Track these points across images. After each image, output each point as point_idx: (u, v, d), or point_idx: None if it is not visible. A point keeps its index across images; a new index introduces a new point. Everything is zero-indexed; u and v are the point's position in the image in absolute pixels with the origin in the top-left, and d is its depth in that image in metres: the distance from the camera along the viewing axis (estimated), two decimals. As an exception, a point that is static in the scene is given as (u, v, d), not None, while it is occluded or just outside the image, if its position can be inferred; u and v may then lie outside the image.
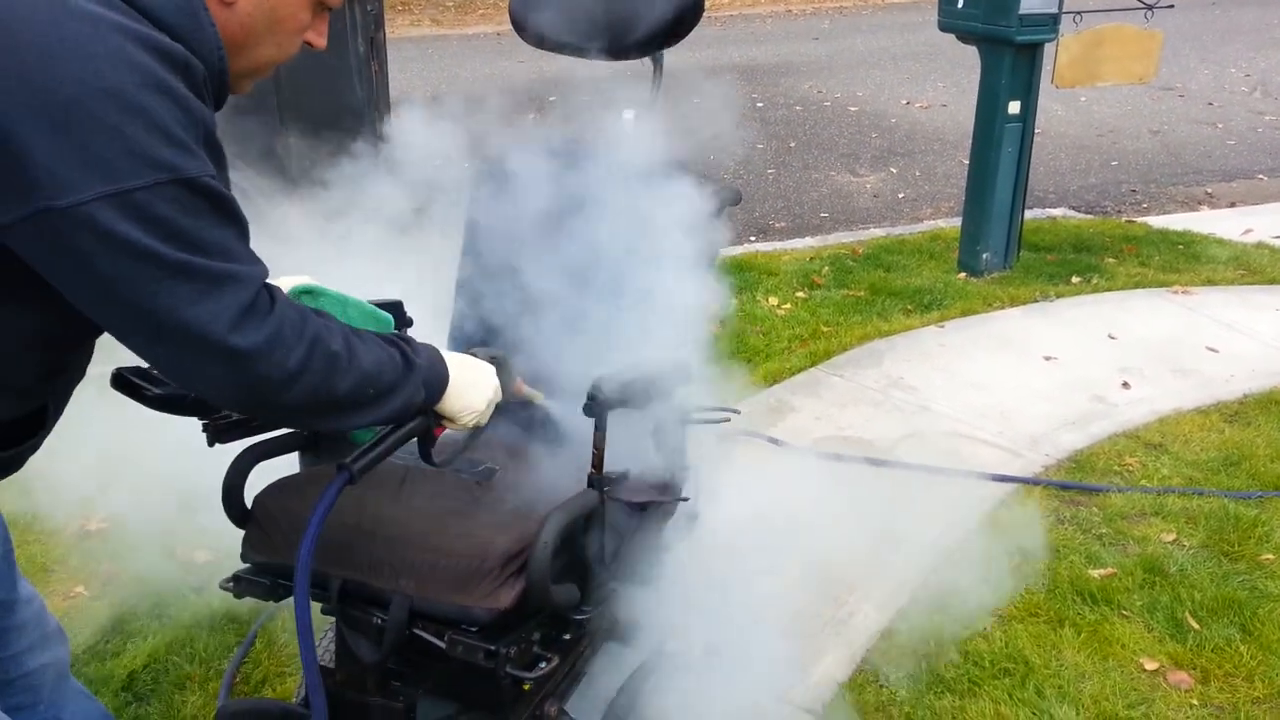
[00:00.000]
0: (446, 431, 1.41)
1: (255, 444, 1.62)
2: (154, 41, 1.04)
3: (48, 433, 1.32)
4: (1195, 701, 2.20)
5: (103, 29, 1.01)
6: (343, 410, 1.21)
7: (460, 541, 1.47)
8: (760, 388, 3.56)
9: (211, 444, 1.56)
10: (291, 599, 1.43)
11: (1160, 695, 2.21)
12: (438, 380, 1.32)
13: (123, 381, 1.39)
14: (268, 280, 1.13)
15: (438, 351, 1.34)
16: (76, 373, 1.33)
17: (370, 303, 1.61)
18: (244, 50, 1.18)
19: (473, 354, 1.43)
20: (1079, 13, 4.45)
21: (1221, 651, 2.32)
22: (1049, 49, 4.34)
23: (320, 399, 1.17)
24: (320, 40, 1.26)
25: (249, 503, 1.61)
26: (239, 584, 1.58)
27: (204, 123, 1.08)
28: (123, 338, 1.10)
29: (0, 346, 1.16)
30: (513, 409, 1.61)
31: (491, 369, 1.42)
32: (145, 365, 1.40)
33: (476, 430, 1.41)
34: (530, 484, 1.59)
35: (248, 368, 1.10)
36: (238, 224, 1.11)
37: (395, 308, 1.71)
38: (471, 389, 1.36)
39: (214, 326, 1.06)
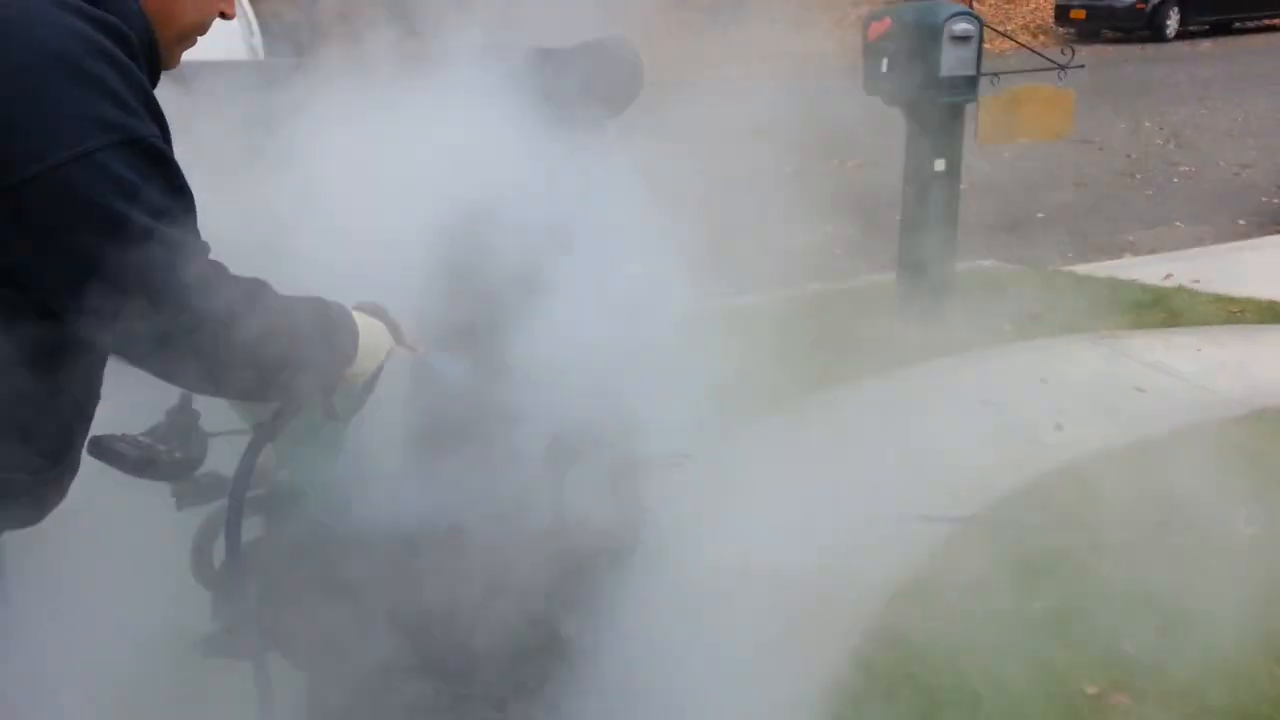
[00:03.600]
0: None
1: (218, 510, 1.67)
2: (89, 12, 1.11)
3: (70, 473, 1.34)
4: (1134, 722, 2.30)
5: (42, 2, 1.09)
6: (286, 368, 1.28)
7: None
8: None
9: (180, 508, 1.61)
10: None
11: (1100, 716, 2.31)
12: (354, 332, 1.39)
13: (100, 447, 1.44)
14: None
15: (345, 309, 1.40)
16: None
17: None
18: (168, 17, 1.25)
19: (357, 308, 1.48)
20: (996, 74, 4.70)
21: (1156, 673, 2.43)
22: (970, 109, 4.58)
23: (268, 359, 1.24)
24: (231, 10, 1.35)
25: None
26: (216, 647, 1.62)
27: (145, 89, 1.15)
28: (91, 314, 1.14)
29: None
30: None
31: (384, 329, 1.48)
32: (119, 434, 1.46)
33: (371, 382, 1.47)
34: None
35: (208, 332, 1.16)
36: (185, 191, 1.18)
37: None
38: (375, 337, 1.43)
39: (174, 292, 1.13)
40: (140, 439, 1.49)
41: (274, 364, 1.26)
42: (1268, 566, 2.82)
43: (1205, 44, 16.02)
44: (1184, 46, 15.87)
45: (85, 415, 1.36)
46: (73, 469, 1.37)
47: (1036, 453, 3.58)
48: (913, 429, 3.77)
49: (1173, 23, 16.64)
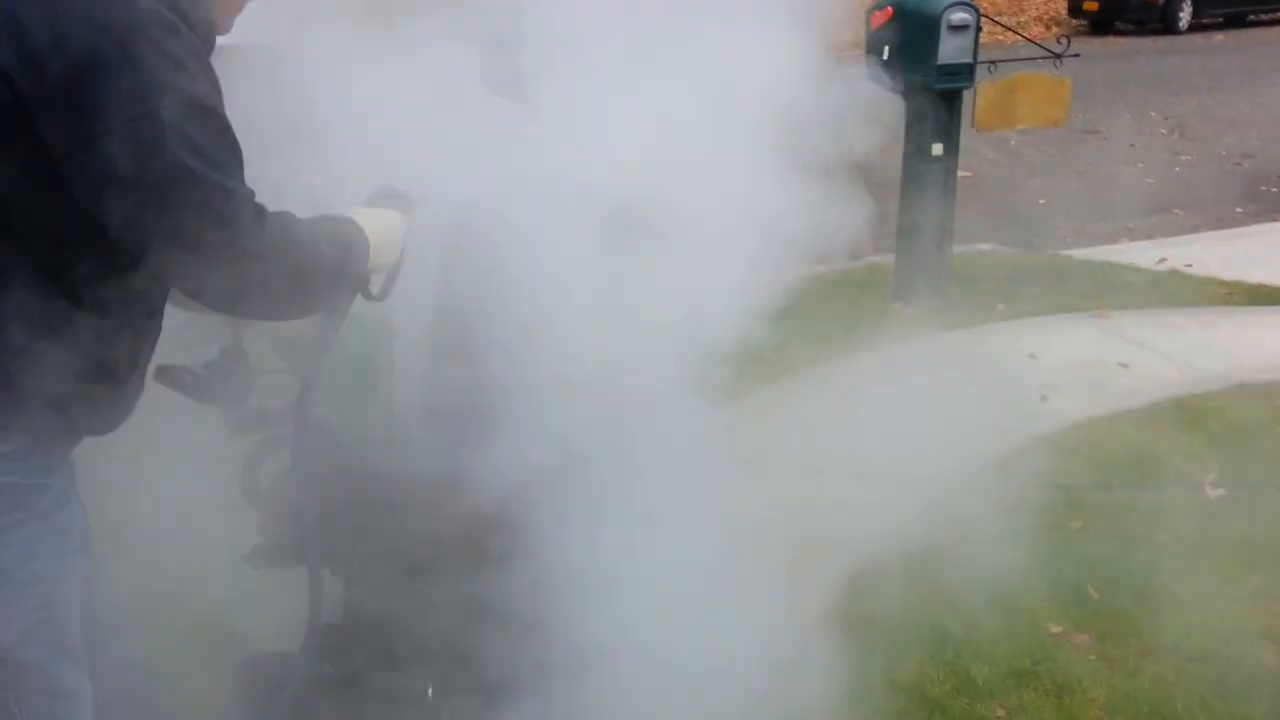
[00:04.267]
0: None
1: (267, 436, 1.89)
2: None
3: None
4: (1093, 657, 2.51)
5: None
6: (319, 284, 1.53)
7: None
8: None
9: (231, 436, 1.83)
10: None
11: (1063, 652, 2.51)
12: (365, 240, 1.60)
13: (166, 374, 1.66)
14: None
15: (351, 221, 1.60)
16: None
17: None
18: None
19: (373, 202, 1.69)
20: (993, 62, 4.87)
21: (1116, 615, 2.63)
22: (968, 96, 4.75)
23: (304, 280, 1.49)
24: None
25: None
26: (257, 554, 1.84)
27: (201, 54, 1.37)
28: (156, 251, 1.35)
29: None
30: None
31: (397, 214, 1.68)
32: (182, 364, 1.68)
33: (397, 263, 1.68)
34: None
35: (254, 264, 1.39)
36: (235, 143, 1.39)
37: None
38: (387, 231, 1.64)
39: (226, 231, 1.34)
40: (199, 370, 1.71)
41: (309, 283, 1.50)
42: (1228, 525, 3.02)
43: (1218, 36, 16.09)
44: (1197, 39, 15.93)
45: (150, 339, 1.56)
46: (138, 387, 1.57)
47: (1021, 422, 3.78)
48: (905, 399, 3.96)
49: (1185, 15, 16.69)
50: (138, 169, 1.29)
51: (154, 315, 1.56)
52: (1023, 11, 16.48)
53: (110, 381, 1.50)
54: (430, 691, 1.71)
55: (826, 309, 4.88)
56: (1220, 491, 3.20)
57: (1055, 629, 2.60)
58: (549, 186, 1.78)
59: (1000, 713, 2.34)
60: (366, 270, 1.62)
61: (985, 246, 6.05)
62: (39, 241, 1.36)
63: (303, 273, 1.48)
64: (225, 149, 1.37)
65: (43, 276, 1.37)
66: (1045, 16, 16.84)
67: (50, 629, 1.47)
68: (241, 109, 1.44)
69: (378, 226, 1.63)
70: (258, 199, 1.42)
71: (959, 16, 4.42)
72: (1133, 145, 8.79)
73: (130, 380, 1.55)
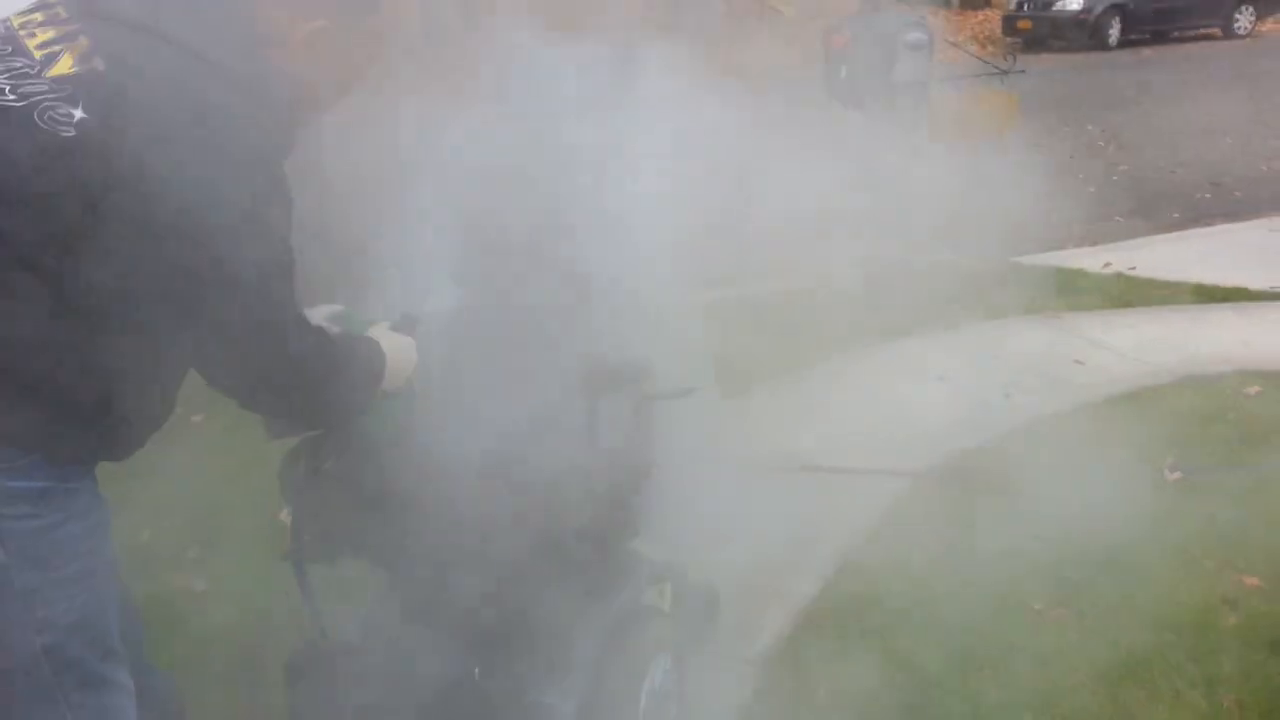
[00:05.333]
0: None
1: (303, 440, 1.99)
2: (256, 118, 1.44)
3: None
4: (1073, 630, 2.67)
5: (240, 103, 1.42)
6: (351, 401, 1.66)
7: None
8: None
9: (269, 439, 1.93)
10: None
11: (1044, 627, 2.68)
12: (384, 364, 1.72)
13: None
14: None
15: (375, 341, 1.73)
16: None
17: (388, 325, 2.00)
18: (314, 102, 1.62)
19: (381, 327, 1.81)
20: (945, 80, 5.12)
21: (1091, 591, 2.80)
22: (922, 111, 4.98)
23: (338, 393, 1.62)
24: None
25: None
26: (296, 553, 1.93)
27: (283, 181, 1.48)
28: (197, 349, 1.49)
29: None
30: None
31: (409, 340, 1.80)
32: None
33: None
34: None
35: (296, 373, 1.51)
36: (291, 257, 1.50)
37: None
38: (403, 355, 1.77)
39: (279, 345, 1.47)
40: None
41: (329, 396, 1.62)
42: (1187, 505, 3.22)
43: (1146, 52, 16.72)
44: (1126, 55, 16.55)
45: (168, 409, 1.66)
46: (154, 428, 1.65)
47: (987, 418, 3.97)
48: (877, 399, 4.14)
49: (1114, 32, 17.35)
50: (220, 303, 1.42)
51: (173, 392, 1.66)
52: (959, 31, 16.98)
53: (143, 420, 1.59)
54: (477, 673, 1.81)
55: (795, 317, 5.06)
56: (1178, 475, 3.40)
57: (1036, 605, 2.77)
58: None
59: (991, 684, 2.48)
60: (381, 388, 1.73)
61: (942, 254, 6.27)
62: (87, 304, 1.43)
63: (328, 387, 1.60)
64: (283, 263, 1.48)
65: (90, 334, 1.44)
66: (981, 35, 17.36)
67: (93, 625, 1.53)
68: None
69: (396, 350, 1.75)
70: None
71: (915, 37, 4.65)
72: (1072, 157, 9.13)
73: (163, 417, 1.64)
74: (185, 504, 2.57)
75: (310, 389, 1.56)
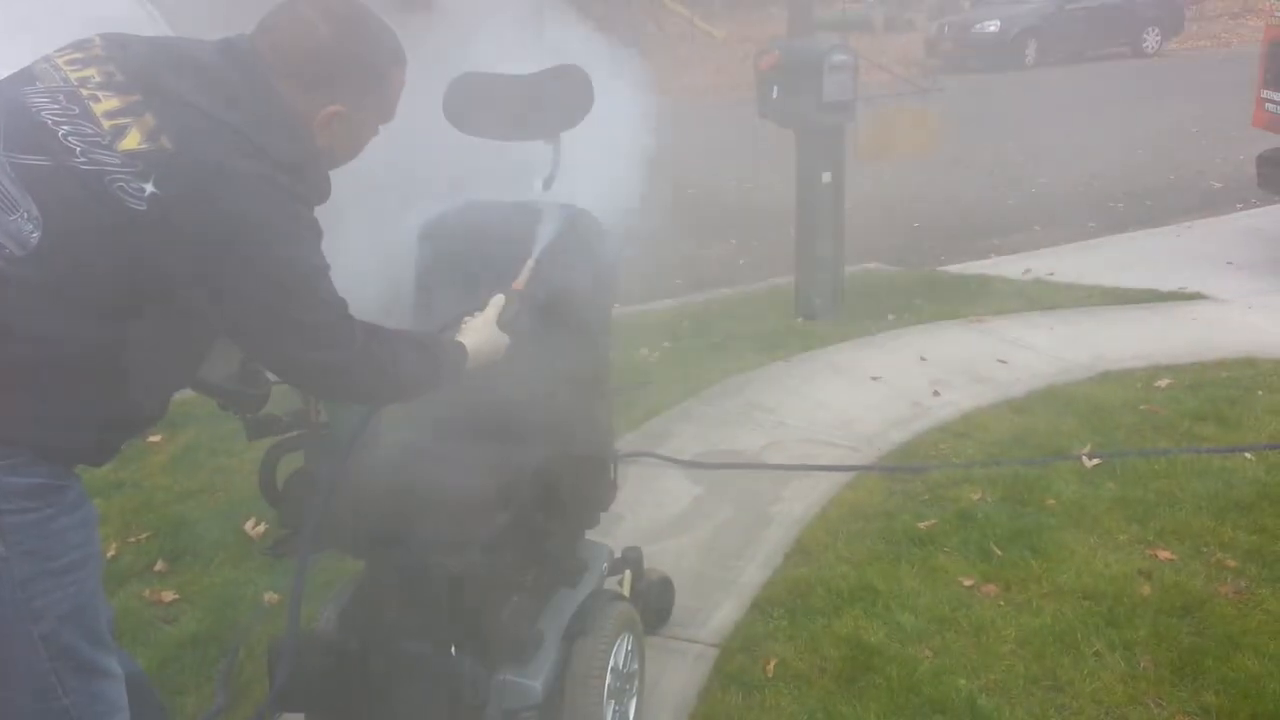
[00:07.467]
0: None
1: (279, 441, 2.10)
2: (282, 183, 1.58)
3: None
4: (1002, 602, 2.87)
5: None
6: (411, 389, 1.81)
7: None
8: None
9: (250, 439, 2.04)
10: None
11: (975, 601, 2.88)
12: (458, 362, 1.88)
13: (200, 384, 1.86)
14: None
15: (457, 343, 1.89)
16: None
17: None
18: (332, 161, 1.77)
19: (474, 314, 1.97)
20: (870, 98, 5.38)
21: (1018, 567, 3.02)
22: (850, 128, 5.23)
23: (389, 382, 1.76)
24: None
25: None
26: (279, 546, 2.04)
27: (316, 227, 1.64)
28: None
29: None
30: None
31: (502, 336, 1.96)
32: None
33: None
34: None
35: (344, 370, 1.68)
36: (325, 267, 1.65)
37: None
38: (488, 346, 1.93)
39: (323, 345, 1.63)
40: (225, 383, 1.93)
41: (393, 384, 1.77)
42: (1104, 488, 3.46)
43: (1060, 71, 17.40)
44: (1042, 74, 17.21)
45: (162, 410, 1.78)
46: (137, 434, 1.80)
47: (919, 414, 4.19)
48: (815, 401, 4.34)
49: (1031, 53, 18.09)
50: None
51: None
52: (884, 52, 17.49)
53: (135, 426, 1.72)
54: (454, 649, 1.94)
55: (733, 327, 5.26)
56: (1095, 461, 3.64)
57: (967, 582, 2.96)
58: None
59: (928, 653, 2.67)
60: (456, 378, 1.87)
61: (872, 265, 6.55)
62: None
63: (385, 377, 1.74)
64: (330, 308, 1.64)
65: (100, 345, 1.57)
66: (905, 57, 17.91)
67: (84, 614, 1.63)
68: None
69: (480, 344, 1.92)
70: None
71: (839, 59, 4.89)
72: (993, 172, 9.53)
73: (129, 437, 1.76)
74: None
75: (362, 384, 1.73)
